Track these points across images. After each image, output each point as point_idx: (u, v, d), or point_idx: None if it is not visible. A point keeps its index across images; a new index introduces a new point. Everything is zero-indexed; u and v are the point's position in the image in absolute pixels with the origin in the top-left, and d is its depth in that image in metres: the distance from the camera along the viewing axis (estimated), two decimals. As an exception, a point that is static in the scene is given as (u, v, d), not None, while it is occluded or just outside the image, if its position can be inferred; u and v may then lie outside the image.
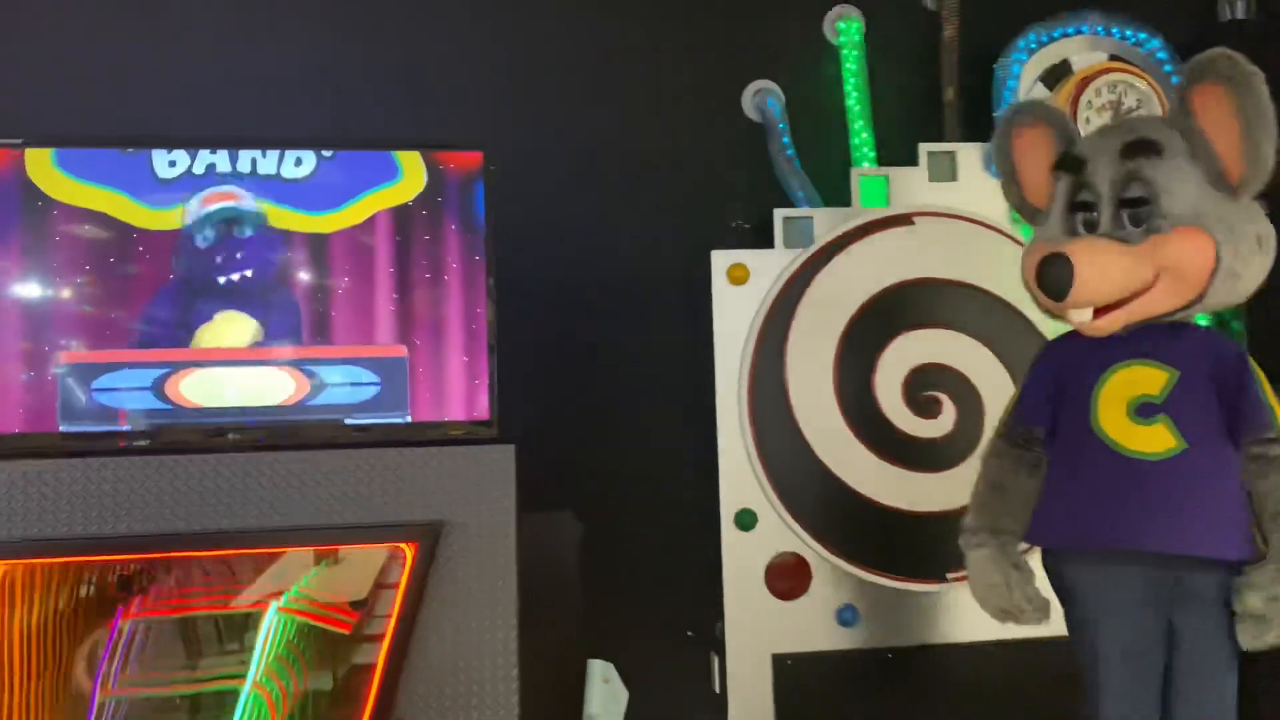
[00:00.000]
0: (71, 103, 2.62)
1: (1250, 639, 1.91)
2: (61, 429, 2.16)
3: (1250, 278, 2.01)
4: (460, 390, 2.26)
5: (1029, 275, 2.00)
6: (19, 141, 2.19)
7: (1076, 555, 2.03)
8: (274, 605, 2.11)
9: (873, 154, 2.88)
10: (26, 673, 2.14)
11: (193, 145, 2.23)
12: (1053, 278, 1.89)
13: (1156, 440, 1.94)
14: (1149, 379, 1.98)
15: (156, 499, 2.10)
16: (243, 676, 2.11)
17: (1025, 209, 2.19)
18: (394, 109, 2.73)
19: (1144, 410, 1.96)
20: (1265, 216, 2.00)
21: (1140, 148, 1.98)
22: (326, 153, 2.25)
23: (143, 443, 2.15)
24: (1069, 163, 2.06)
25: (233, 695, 2.11)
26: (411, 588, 2.10)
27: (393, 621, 2.10)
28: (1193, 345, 2.01)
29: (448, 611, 2.15)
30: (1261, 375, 1.96)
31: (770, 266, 2.70)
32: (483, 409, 2.26)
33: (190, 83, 2.71)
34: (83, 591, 2.20)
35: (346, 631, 2.22)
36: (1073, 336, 2.11)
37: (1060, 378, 2.08)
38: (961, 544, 2.14)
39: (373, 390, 2.24)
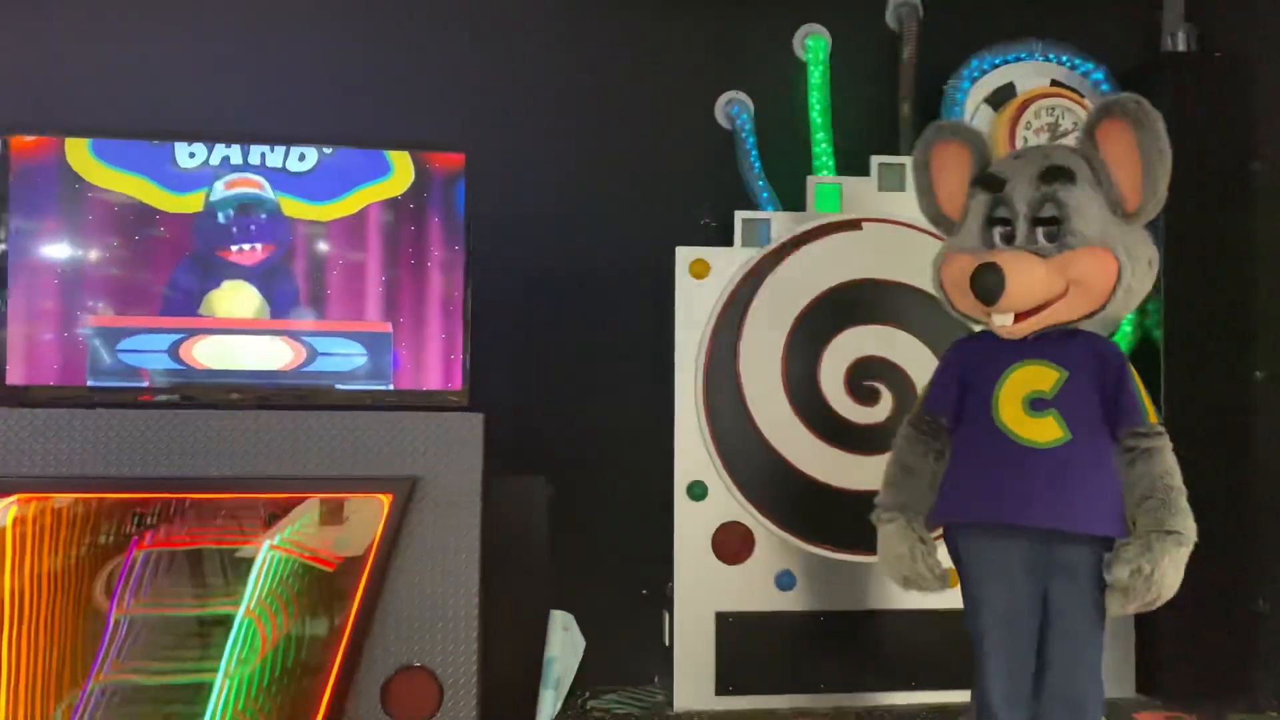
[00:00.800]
0: (107, 97, 2.93)
1: (1116, 606, 2.19)
2: (89, 384, 2.47)
3: (1140, 294, 2.28)
4: (438, 363, 2.56)
5: (960, 280, 2.23)
6: (61, 131, 2.49)
7: (970, 529, 2.28)
8: (266, 543, 2.41)
9: (832, 163, 3.13)
10: (54, 594, 2.46)
11: (210, 139, 2.52)
12: (988, 284, 2.13)
13: (1046, 431, 2.20)
14: (1042, 377, 2.24)
15: (169, 447, 2.39)
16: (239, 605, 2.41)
17: (941, 220, 2.43)
18: (388, 111, 3.01)
19: (1036, 404, 2.22)
20: (1151, 242, 2.26)
21: (1056, 173, 2.23)
22: (327, 149, 2.54)
23: (162, 398, 2.46)
24: (990, 182, 2.30)
25: (230, 621, 2.42)
26: (387, 534, 2.40)
27: (369, 563, 2.41)
28: (1080, 349, 2.27)
29: (419, 557, 2.45)
30: (1137, 376, 2.23)
31: (729, 263, 2.96)
32: (456, 381, 2.55)
33: (210, 82, 3.00)
34: (103, 526, 2.51)
35: (330, 569, 2.52)
36: (977, 338, 2.37)
37: (965, 374, 2.32)
38: (873, 519, 2.38)
39: (360, 361, 2.54)
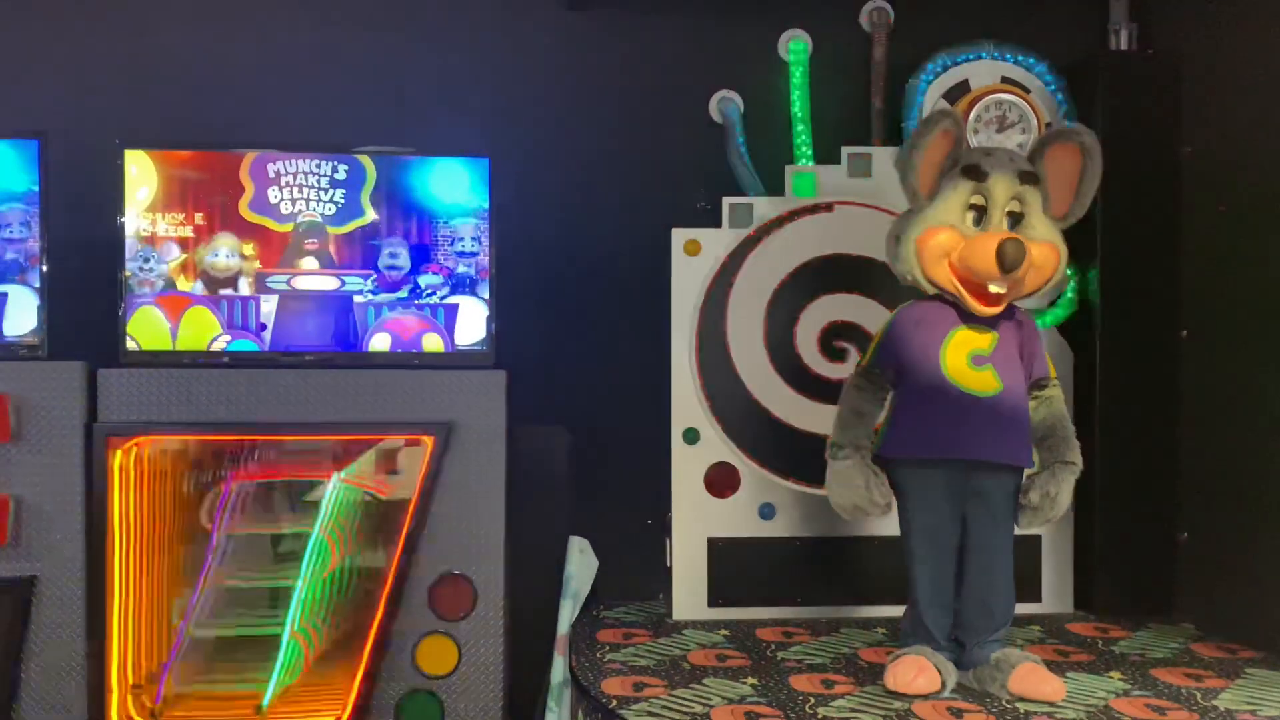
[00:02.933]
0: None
1: (1026, 523, 2.70)
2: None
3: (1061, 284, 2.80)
4: (470, 329, 3.10)
5: (947, 249, 2.59)
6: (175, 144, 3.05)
7: (909, 462, 2.71)
8: (335, 477, 2.99)
9: (810, 153, 3.58)
10: (168, 518, 3.06)
11: (268, 147, 3.05)
12: (1017, 255, 2.53)
13: (986, 382, 2.67)
14: (980, 339, 2.71)
15: (256, 400, 2.97)
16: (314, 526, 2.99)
17: (916, 195, 2.72)
18: (432, 118, 3.52)
19: (977, 360, 2.69)
20: None
21: (1029, 177, 2.70)
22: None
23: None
24: (975, 172, 2.69)
25: (307, 539, 3.00)
26: (431, 466, 2.97)
27: (417, 490, 2.97)
28: (1005, 315, 2.75)
29: (457, 486, 3.01)
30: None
31: (718, 242, 3.42)
32: (483, 343, 3.10)
33: (264, 87, 3.50)
34: (206, 464, 3.09)
35: (385, 498, 3.08)
36: (923, 303, 2.81)
37: (914, 333, 2.72)
38: (829, 456, 2.76)
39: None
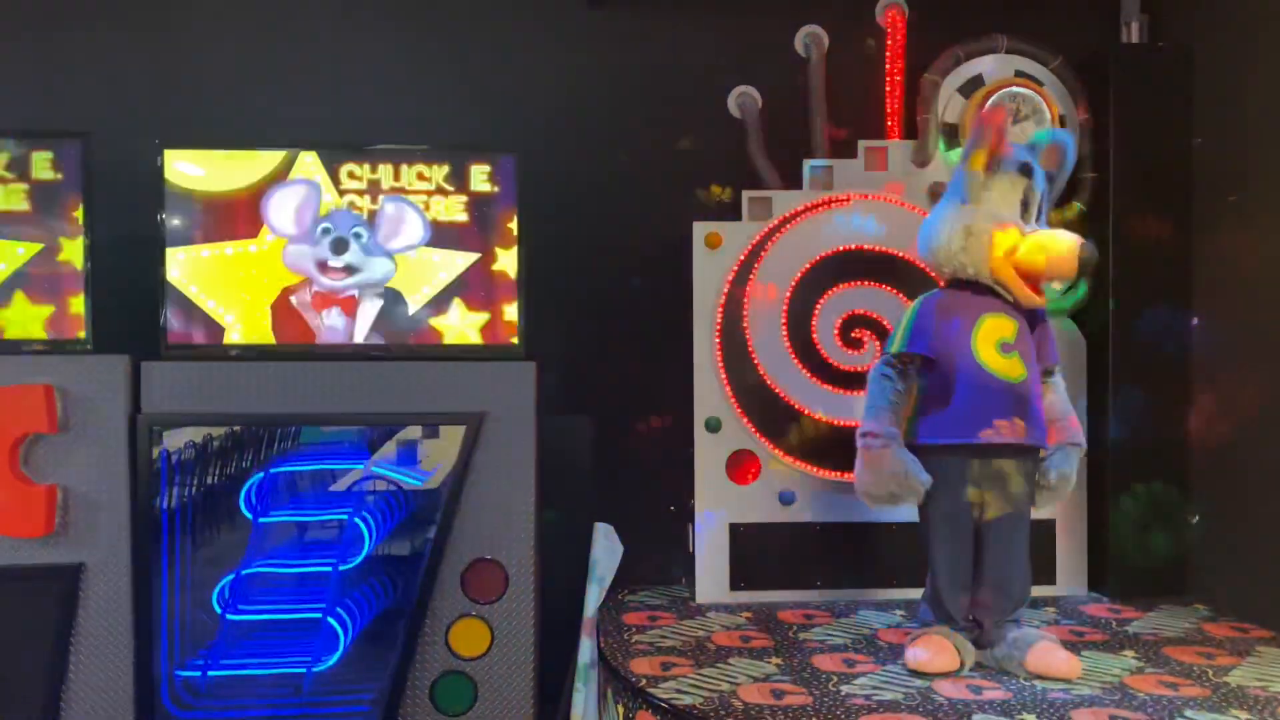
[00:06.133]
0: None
1: (1043, 503, 2.80)
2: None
3: None
4: (502, 323, 3.20)
5: (1066, 253, 2.66)
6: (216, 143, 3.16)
7: (936, 449, 2.76)
8: (370, 464, 3.09)
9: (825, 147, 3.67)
10: (211, 503, 3.17)
11: (304, 146, 3.15)
12: (1093, 258, 2.69)
13: (1015, 368, 2.76)
14: (1005, 326, 2.80)
15: (300, 391, 3.07)
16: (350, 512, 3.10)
17: (979, 189, 2.79)
18: (462, 118, 3.62)
19: (1005, 348, 2.78)
20: None
21: (1051, 175, 2.88)
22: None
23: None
24: (1026, 169, 2.81)
25: (343, 525, 3.10)
26: (463, 455, 3.07)
27: (450, 480, 3.07)
28: (1021, 306, 2.83)
29: (489, 473, 3.10)
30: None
31: (738, 235, 3.50)
32: (515, 336, 3.19)
33: (302, 88, 3.60)
34: (247, 452, 3.20)
35: (419, 487, 3.17)
36: (948, 291, 2.88)
37: (943, 321, 2.79)
38: (863, 446, 2.78)
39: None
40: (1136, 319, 3.54)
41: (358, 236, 3.15)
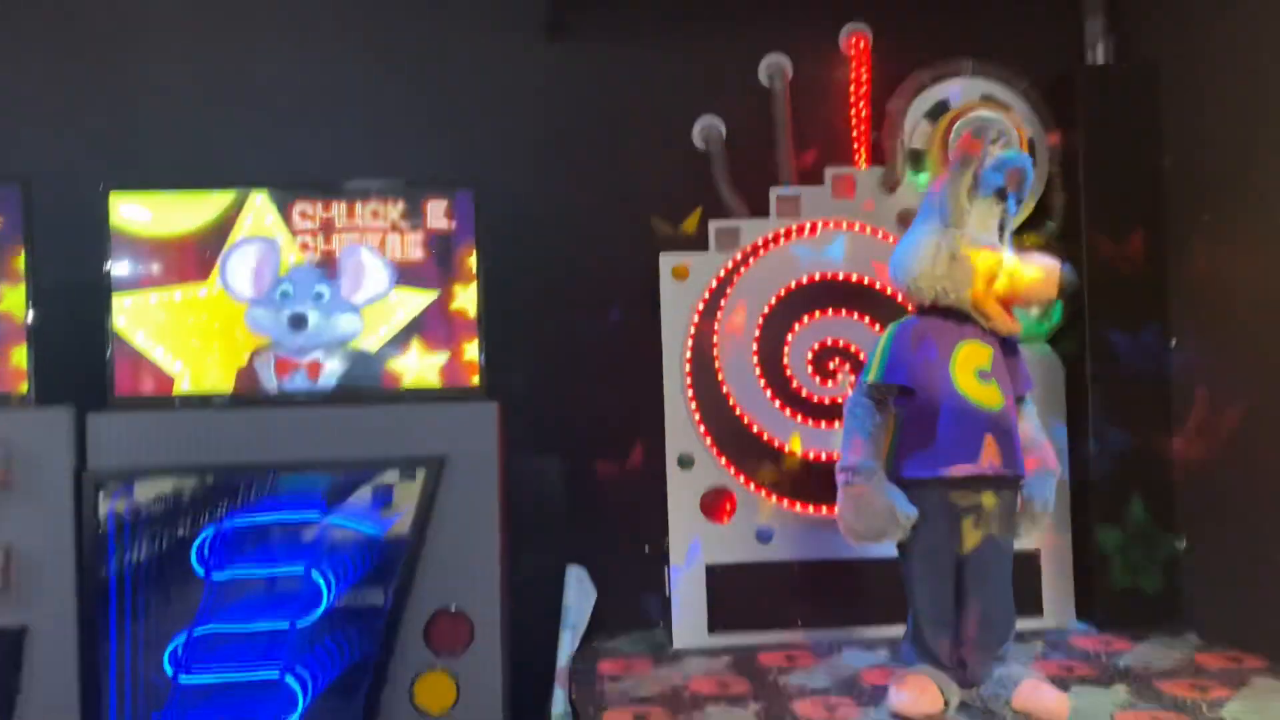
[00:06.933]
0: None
1: (1026, 531, 2.72)
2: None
3: None
4: (461, 363, 3.10)
5: (1048, 279, 2.61)
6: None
7: (916, 482, 2.64)
8: (324, 517, 2.97)
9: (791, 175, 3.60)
10: (161, 561, 3.03)
11: (258, 185, 3.06)
12: (1074, 283, 2.66)
13: (994, 396, 2.67)
14: (981, 354, 2.71)
15: (250, 438, 2.96)
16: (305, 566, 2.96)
17: (960, 213, 2.70)
18: (420, 153, 3.53)
19: (983, 375, 2.69)
20: None
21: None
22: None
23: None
24: (1002, 192, 2.71)
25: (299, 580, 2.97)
26: (423, 502, 2.95)
27: (410, 524, 2.95)
28: (997, 332, 2.76)
29: (450, 520, 2.99)
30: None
31: (706, 266, 3.42)
32: (475, 376, 3.09)
33: (253, 126, 3.51)
34: (198, 506, 3.06)
35: (378, 537, 3.05)
36: (923, 318, 2.78)
37: (920, 349, 2.68)
38: (846, 481, 2.65)
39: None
40: (1113, 341, 3.47)
41: (319, 297, 3.05)
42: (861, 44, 3.66)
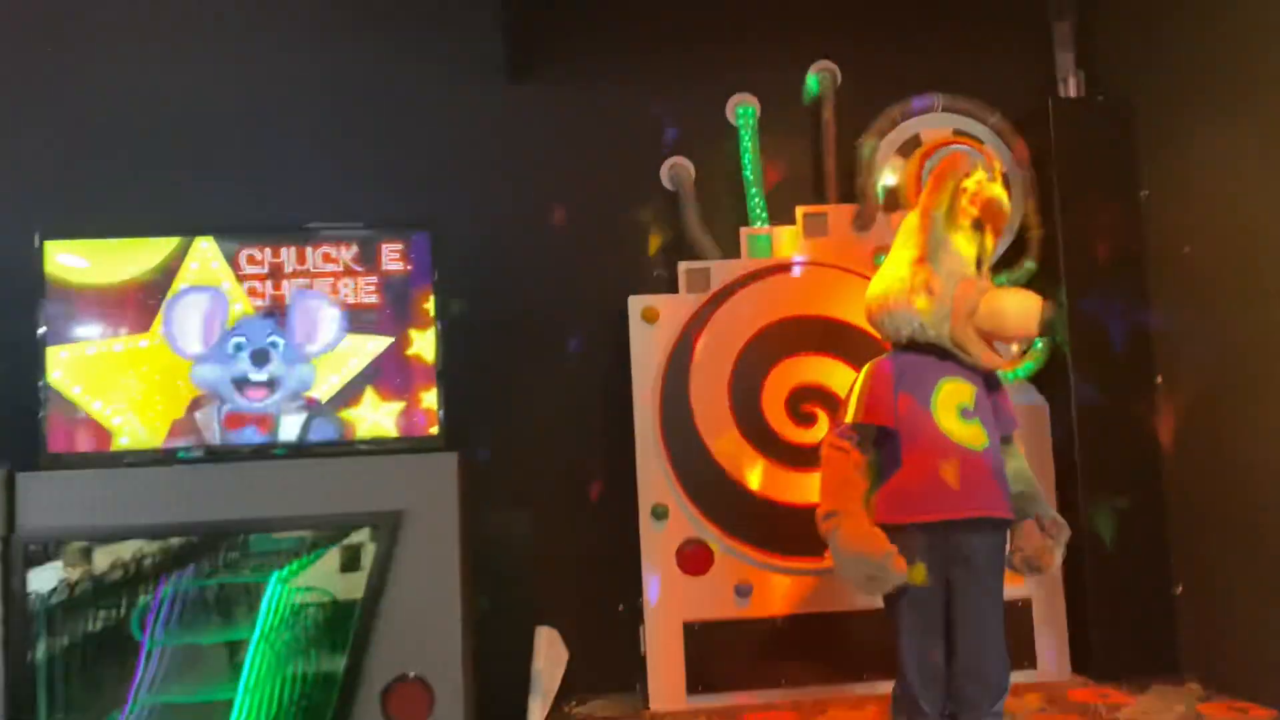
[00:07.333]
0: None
1: (1026, 573, 2.59)
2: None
3: None
4: (419, 412, 2.94)
5: (1028, 312, 2.51)
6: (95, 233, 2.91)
7: (899, 528, 2.49)
8: (275, 575, 2.77)
9: (764, 215, 3.49)
10: (96, 629, 2.82)
11: (197, 232, 2.91)
12: (1051, 316, 2.60)
13: (978, 436, 2.55)
14: (964, 391, 2.59)
15: (192, 496, 2.77)
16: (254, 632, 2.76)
17: (940, 245, 2.62)
18: (377, 196, 3.39)
19: (966, 414, 2.56)
20: None
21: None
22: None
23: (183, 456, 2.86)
24: (979, 224, 2.64)
25: (247, 647, 2.77)
26: (377, 563, 2.76)
27: (366, 585, 2.76)
28: (974, 366, 2.63)
29: (408, 581, 2.79)
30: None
31: (676, 308, 3.32)
32: (435, 425, 2.93)
33: (200, 169, 3.37)
34: (137, 568, 2.86)
35: (334, 599, 2.85)
36: (900, 355, 2.66)
37: (900, 388, 2.56)
38: (825, 529, 2.51)
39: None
40: (1098, 381, 3.36)
41: (273, 347, 2.90)
42: (830, 81, 3.58)
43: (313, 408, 2.93)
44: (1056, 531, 2.61)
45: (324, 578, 2.86)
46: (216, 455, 2.85)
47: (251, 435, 2.89)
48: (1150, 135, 3.41)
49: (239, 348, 2.91)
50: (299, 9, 3.52)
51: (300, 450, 2.89)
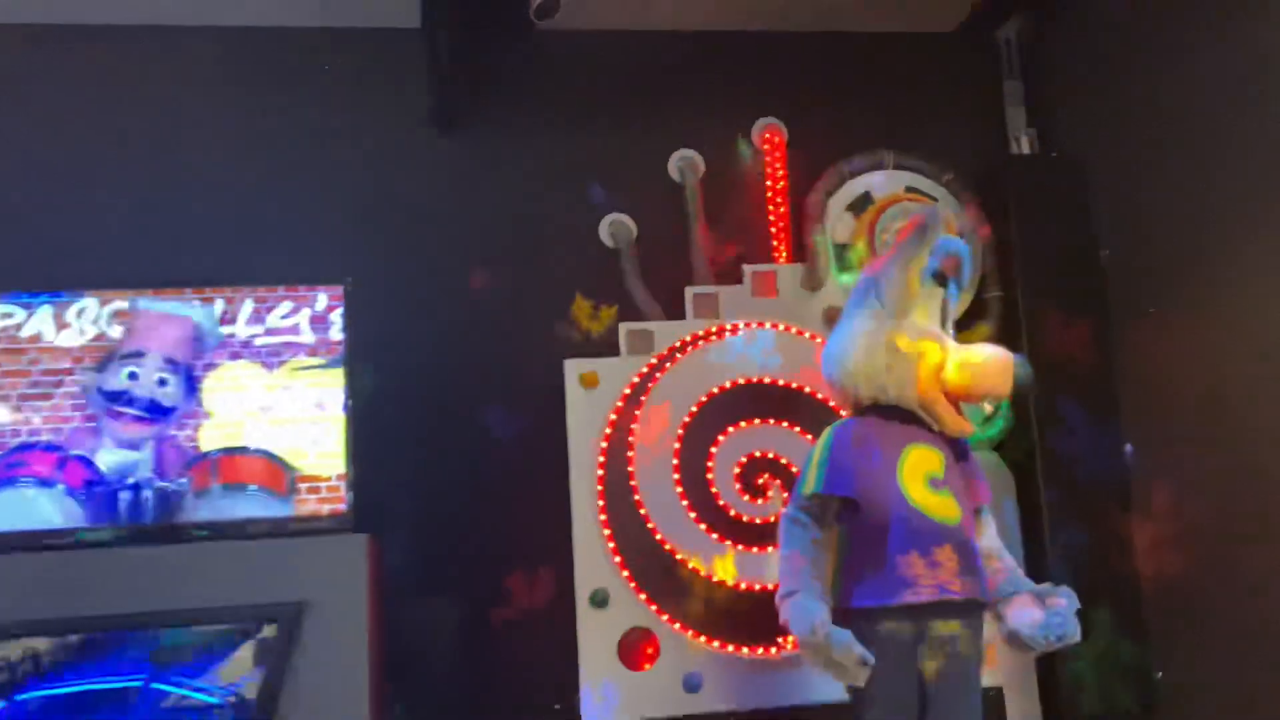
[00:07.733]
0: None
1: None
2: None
3: None
4: (323, 489, 2.62)
5: (1000, 372, 2.32)
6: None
7: (870, 613, 2.26)
8: (145, 682, 2.41)
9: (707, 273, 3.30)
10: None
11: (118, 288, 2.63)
12: (1029, 377, 2.36)
13: (948, 509, 2.32)
14: (932, 459, 2.38)
15: (66, 586, 2.43)
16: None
17: (902, 304, 2.44)
18: (274, 248, 3.14)
19: (935, 483, 2.34)
20: None
21: None
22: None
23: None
24: (943, 279, 2.45)
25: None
26: (274, 661, 2.41)
27: (260, 688, 2.41)
28: (947, 434, 2.42)
29: (310, 678, 2.47)
30: None
31: (617, 373, 3.08)
32: (342, 504, 2.61)
33: (113, 230, 3.11)
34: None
35: (221, 700, 2.49)
36: (863, 420, 2.44)
37: (863, 454, 2.34)
38: (784, 608, 2.27)
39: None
40: (1064, 446, 3.18)
41: (163, 383, 2.63)
42: (776, 138, 3.45)
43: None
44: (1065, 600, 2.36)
45: (211, 678, 2.50)
46: (86, 541, 2.49)
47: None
48: (1107, 194, 3.32)
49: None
50: (224, 56, 3.30)
51: (183, 535, 2.54)
